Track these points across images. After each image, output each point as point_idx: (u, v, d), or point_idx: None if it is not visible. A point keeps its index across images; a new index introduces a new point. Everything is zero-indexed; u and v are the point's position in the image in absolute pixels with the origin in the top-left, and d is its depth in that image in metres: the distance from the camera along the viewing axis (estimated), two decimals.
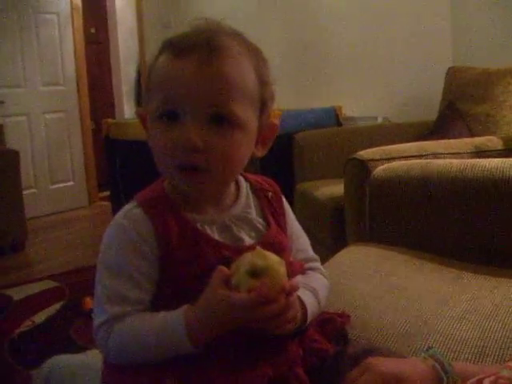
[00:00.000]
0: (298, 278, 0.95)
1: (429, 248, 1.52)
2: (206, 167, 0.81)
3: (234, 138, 0.82)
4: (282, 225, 0.97)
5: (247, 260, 0.78)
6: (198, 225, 0.86)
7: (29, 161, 5.08)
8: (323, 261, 1.11)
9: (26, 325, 2.64)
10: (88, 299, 2.82)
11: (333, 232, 2.45)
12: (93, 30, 6.21)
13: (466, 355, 0.98)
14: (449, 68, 3.16)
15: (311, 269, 1.02)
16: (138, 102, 6.20)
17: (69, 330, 2.55)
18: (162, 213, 0.85)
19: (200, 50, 0.80)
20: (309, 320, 0.91)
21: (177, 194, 0.88)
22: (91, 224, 5.08)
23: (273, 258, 0.79)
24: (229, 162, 0.84)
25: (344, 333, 0.97)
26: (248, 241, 0.90)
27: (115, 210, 4.08)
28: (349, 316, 1.01)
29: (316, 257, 1.05)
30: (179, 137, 0.80)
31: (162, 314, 0.81)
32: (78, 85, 5.60)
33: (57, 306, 2.88)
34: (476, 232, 1.48)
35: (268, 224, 0.94)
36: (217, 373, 0.79)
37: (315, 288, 0.95)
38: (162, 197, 0.87)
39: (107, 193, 5.09)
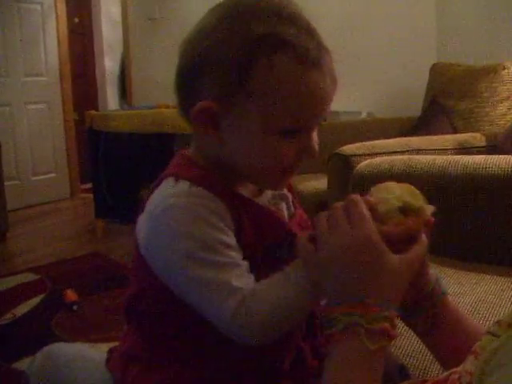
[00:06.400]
0: None
1: None
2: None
3: None
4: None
5: (398, 194, 0.75)
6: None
7: (11, 152, 5.02)
8: None
9: (7, 317, 2.63)
10: (69, 292, 2.80)
11: None
12: (76, 20, 6.14)
13: None
14: (433, 64, 3.17)
15: None
16: (123, 93, 6.16)
17: (50, 323, 2.54)
18: (219, 189, 0.78)
19: (325, 59, 0.78)
20: None
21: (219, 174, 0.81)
22: (73, 216, 5.05)
23: (422, 198, 0.77)
24: None
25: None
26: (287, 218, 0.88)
27: (97, 202, 4.05)
28: None
29: None
30: (307, 148, 0.78)
31: (281, 271, 0.75)
32: (60, 76, 5.56)
33: (38, 298, 2.86)
34: (456, 228, 1.49)
35: (293, 202, 0.92)
36: None
37: None
38: (208, 175, 0.80)
39: (89, 185, 5.06)
